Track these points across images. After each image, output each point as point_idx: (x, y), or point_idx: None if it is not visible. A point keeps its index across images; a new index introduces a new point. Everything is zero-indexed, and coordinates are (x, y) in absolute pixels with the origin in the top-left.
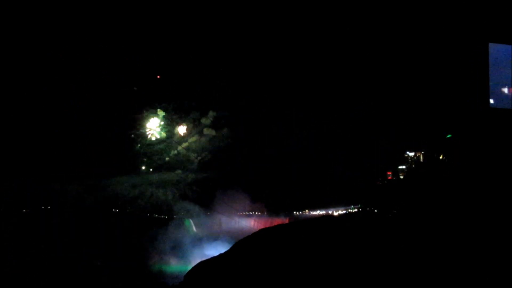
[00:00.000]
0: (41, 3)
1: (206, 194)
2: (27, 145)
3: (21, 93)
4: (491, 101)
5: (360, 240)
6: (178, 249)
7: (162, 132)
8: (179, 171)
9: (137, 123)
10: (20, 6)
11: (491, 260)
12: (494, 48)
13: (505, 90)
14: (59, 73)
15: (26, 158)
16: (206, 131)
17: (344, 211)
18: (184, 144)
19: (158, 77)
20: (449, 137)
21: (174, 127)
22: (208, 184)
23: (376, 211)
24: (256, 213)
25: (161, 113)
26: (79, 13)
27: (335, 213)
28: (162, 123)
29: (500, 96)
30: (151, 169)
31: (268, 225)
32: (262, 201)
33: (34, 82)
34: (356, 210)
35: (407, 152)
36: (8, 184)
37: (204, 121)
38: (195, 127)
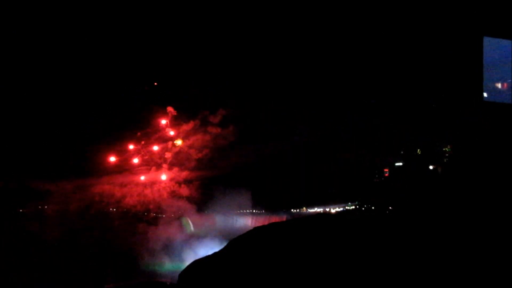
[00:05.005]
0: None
1: (202, 192)
2: (20, 143)
3: (11, 91)
4: (485, 94)
5: (356, 237)
6: (170, 248)
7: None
8: (177, 169)
9: (144, 121)
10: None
11: (489, 258)
12: (489, 43)
13: (499, 85)
14: (56, 71)
15: (22, 156)
16: (210, 129)
17: (341, 209)
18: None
19: (155, 84)
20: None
21: (180, 125)
22: (205, 182)
23: (373, 208)
24: (253, 211)
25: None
26: (82, 13)
27: (333, 211)
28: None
29: (494, 90)
30: (149, 167)
31: (265, 223)
32: (259, 199)
33: (29, 81)
34: (353, 207)
35: (404, 149)
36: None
37: (211, 119)
38: (201, 125)
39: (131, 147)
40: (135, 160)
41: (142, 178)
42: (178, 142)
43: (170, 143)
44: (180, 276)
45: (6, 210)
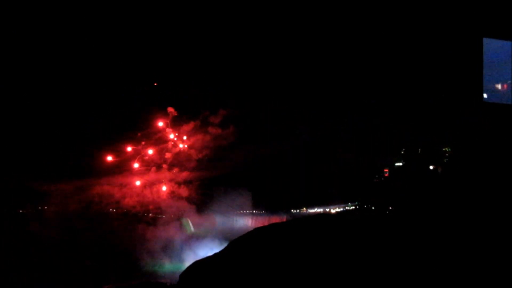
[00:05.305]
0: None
1: (202, 193)
2: (20, 144)
3: (11, 91)
4: (485, 95)
5: (356, 237)
6: (170, 249)
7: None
8: (177, 170)
9: (144, 122)
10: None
11: (489, 258)
12: (489, 44)
13: (499, 86)
14: (56, 71)
15: (22, 157)
16: (210, 129)
17: (341, 209)
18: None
19: (155, 84)
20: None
21: (180, 126)
22: (205, 182)
23: (373, 208)
24: (253, 211)
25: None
26: (82, 13)
27: (333, 211)
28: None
29: (494, 91)
30: (149, 168)
31: (265, 223)
32: (259, 199)
33: (29, 81)
34: (353, 207)
35: (404, 149)
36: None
37: (211, 119)
38: (202, 125)
39: (130, 148)
40: (135, 161)
41: (142, 179)
42: (181, 145)
43: (170, 143)
44: (181, 276)
45: (6, 210)
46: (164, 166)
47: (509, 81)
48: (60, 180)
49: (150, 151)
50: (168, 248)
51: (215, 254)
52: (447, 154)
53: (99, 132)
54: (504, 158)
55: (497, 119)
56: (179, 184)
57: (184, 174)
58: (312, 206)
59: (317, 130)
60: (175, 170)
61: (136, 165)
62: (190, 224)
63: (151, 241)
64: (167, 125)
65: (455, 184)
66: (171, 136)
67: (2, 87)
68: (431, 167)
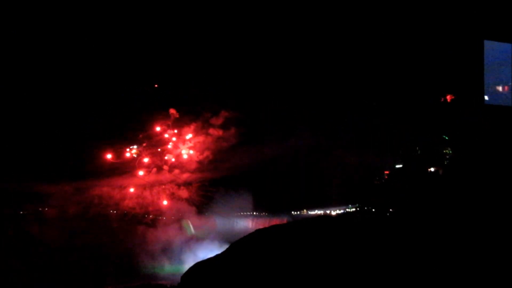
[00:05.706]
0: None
1: (203, 194)
2: (20, 145)
3: (11, 92)
4: (486, 97)
5: (357, 239)
6: (170, 251)
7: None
8: (177, 171)
9: (145, 123)
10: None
11: (489, 259)
12: (490, 46)
13: (500, 88)
14: (56, 72)
15: (21, 158)
16: (211, 131)
17: (342, 211)
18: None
19: (156, 86)
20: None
21: (181, 127)
22: (206, 184)
23: (373, 210)
24: (254, 213)
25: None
26: (83, 13)
27: (333, 213)
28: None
29: (495, 93)
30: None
31: (265, 225)
32: (259, 201)
33: (29, 82)
34: (354, 209)
35: (404, 151)
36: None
37: (212, 121)
38: (203, 127)
39: (131, 149)
40: (136, 163)
41: (143, 180)
42: (184, 151)
43: (171, 145)
44: (182, 278)
45: (6, 211)
46: (165, 167)
47: (510, 83)
48: (60, 182)
49: (146, 159)
50: (168, 250)
51: (217, 256)
52: (447, 156)
53: (99, 133)
54: (504, 160)
55: (498, 120)
56: (179, 185)
57: (185, 176)
58: (313, 208)
59: (318, 131)
60: (176, 171)
61: (141, 173)
62: (191, 225)
63: (151, 243)
64: (168, 127)
65: (456, 185)
66: (172, 138)
67: (2, 87)
68: (431, 169)
